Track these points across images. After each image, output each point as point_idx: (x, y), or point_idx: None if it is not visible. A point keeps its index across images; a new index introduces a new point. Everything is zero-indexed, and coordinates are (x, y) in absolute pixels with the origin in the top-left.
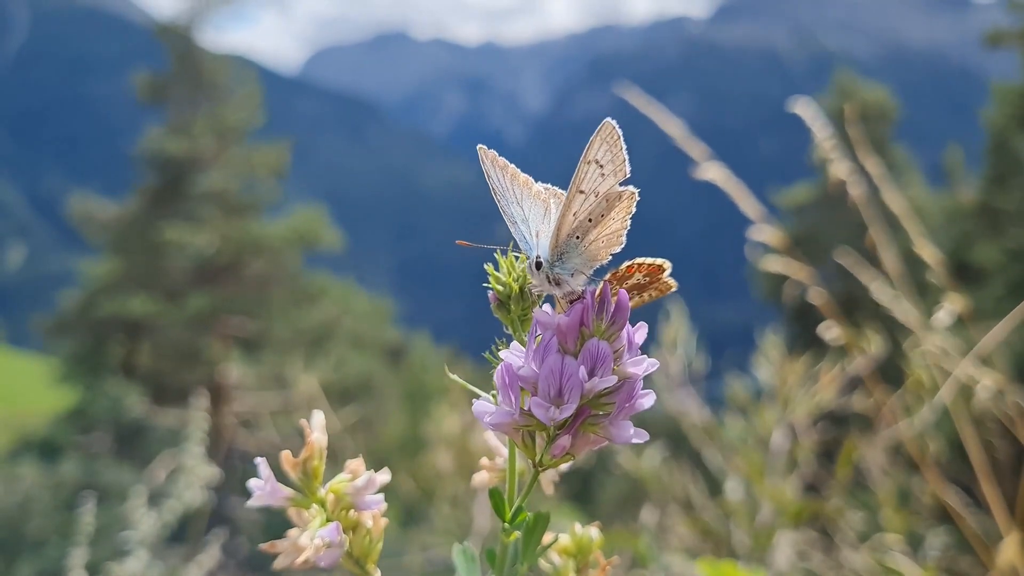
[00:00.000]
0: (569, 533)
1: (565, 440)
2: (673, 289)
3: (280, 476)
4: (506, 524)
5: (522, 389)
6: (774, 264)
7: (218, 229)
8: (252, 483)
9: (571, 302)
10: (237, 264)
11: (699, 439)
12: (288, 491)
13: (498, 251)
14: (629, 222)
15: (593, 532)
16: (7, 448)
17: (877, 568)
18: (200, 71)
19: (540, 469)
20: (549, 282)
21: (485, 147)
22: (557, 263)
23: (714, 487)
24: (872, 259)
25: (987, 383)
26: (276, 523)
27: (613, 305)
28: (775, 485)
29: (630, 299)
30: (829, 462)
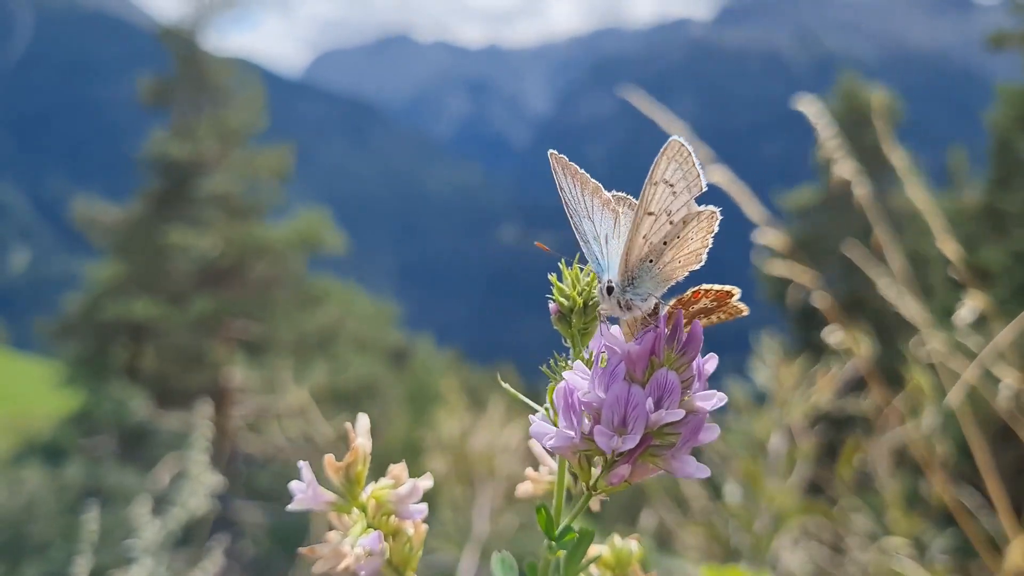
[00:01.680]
0: (608, 546)
1: (624, 469)
2: (744, 313)
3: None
4: (553, 541)
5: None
6: (778, 268)
7: (221, 232)
8: (294, 486)
9: (644, 322)
10: (241, 267)
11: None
12: (330, 495)
13: (563, 260)
14: (711, 241)
15: (632, 545)
16: (11, 451)
17: (884, 571)
18: (203, 74)
19: (594, 493)
20: (620, 307)
21: (556, 152)
22: (629, 288)
23: (714, 491)
24: (877, 259)
25: (1008, 382)
26: (280, 526)
27: (685, 335)
28: (774, 488)
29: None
30: (833, 464)
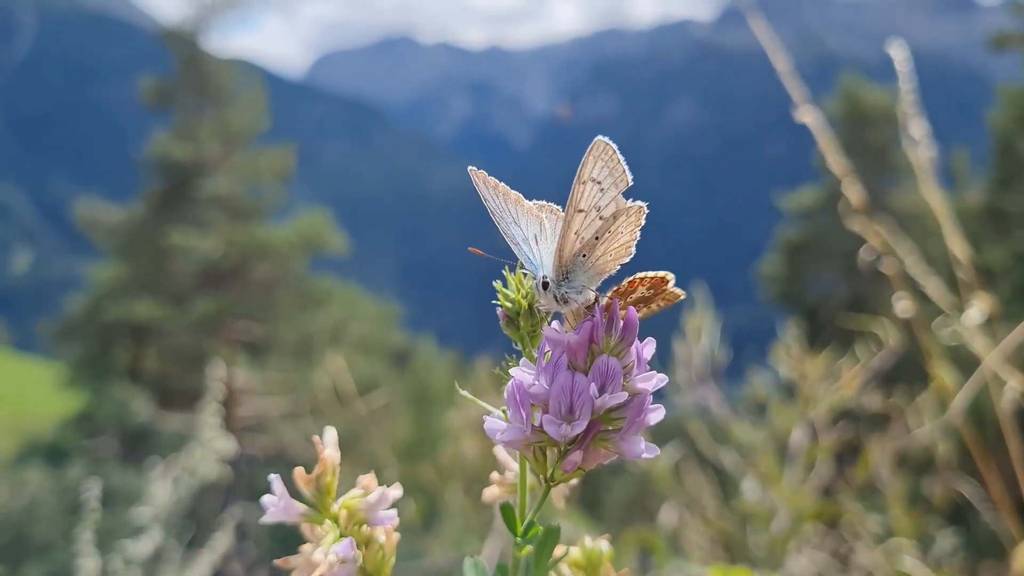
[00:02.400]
0: (579, 546)
1: (577, 456)
2: (681, 298)
3: (292, 490)
4: (518, 539)
5: (533, 405)
6: (856, 224)
7: (224, 233)
8: (266, 499)
9: (579, 316)
10: (243, 268)
11: (715, 438)
12: (302, 507)
13: (506, 267)
14: (639, 233)
15: (603, 545)
16: (14, 452)
17: (890, 571)
18: (206, 76)
19: (552, 484)
20: (556, 301)
21: (475, 168)
22: (564, 282)
23: (731, 488)
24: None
25: (1013, 384)
26: (283, 528)
27: (622, 322)
28: (793, 487)
29: (638, 311)
30: (843, 463)
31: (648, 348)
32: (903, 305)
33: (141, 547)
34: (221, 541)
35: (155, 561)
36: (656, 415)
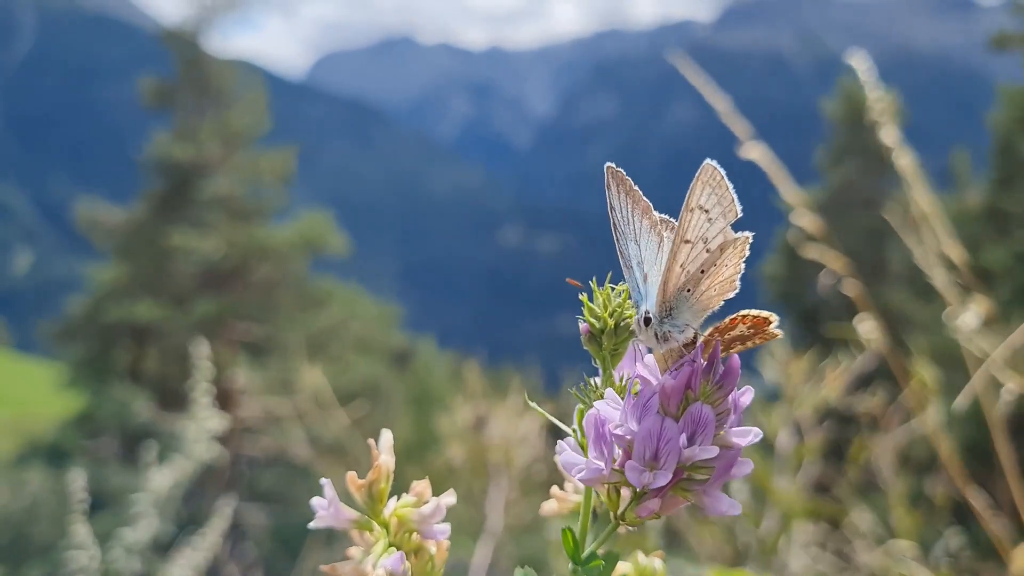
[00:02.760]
0: (632, 563)
1: (654, 503)
2: (778, 337)
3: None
4: (578, 567)
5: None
6: (811, 251)
7: (224, 234)
8: (315, 502)
9: (676, 353)
10: (243, 269)
11: None
12: (352, 513)
13: (593, 280)
14: (743, 266)
15: (656, 563)
16: (14, 453)
17: (889, 571)
18: (206, 77)
19: (622, 523)
20: (657, 339)
21: (614, 166)
22: (667, 319)
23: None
24: (880, 263)
25: (1011, 386)
26: (283, 528)
27: (722, 368)
28: (782, 486)
29: (732, 349)
30: (838, 461)
31: (746, 397)
32: (866, 327)
33: (139, 534)
34: (217, 527)
35: (154, 549)
36: (743, 469)
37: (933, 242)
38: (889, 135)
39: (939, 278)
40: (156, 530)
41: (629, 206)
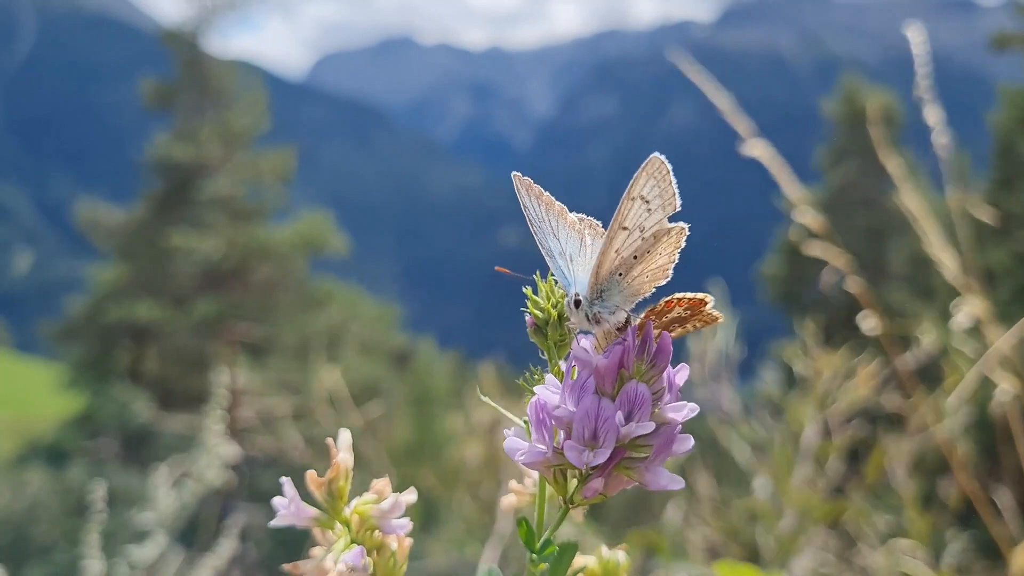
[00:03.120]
0: (596, 556)
1: (597, 483)
2: (720, 321)
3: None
4: (534, 555)
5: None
6: (814, 249)
7: (225, 235)
8: (276, 502)
9: (611, 337)
10: (244, 270)
11: (726, 436)
12: (313, 511)
13: (536, 274)
14: (677, 256)
15: (620, 556)
16: (15, 453)
17: (895, 572)
18: (207, 77)
19: (571, 507)
20: (588, 320)
21: (520, 174)
22: (597, 301)
23: (742, 485)
24: (880, 263)
25: (1005, 387)
26: (285, 530)
27: (655, 347)
28: (802, 486)
29: (671, 332)
30: (855, 462)
31: (681, 375)
32: (870, 323)
33: (146, 552)
34: (225, 547)
35: (159, 565)
36: (684, 444)
37: (942, 240)
38: (932, 115)
39: (949, 270)
40: (163, 548)
41: (542, 207)
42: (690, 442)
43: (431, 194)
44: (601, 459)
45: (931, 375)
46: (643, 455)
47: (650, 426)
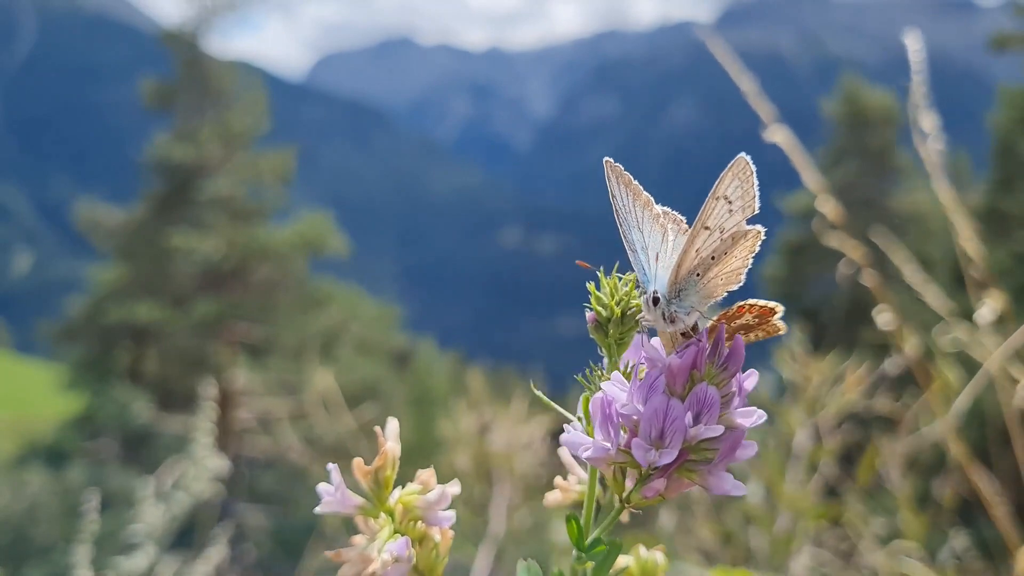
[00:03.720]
0: (634, 556)
1: (659, 483)
2: (781, 332)
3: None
4: (582, 553)
5: (621, 424)
6: (832, 239)
7: (225, 235)
8: (321, 488)
9: (684, 335)
10: (244, 270)
11: None
12: (358, 499)
13: (600, 270)
14: (751, 261)
15: (658, 556)
16: (14, 454)
17: (894, 573)
18: (206, 78)
19: (627, 506)
20: (664, 319)
21: (612, 160)
22: (675, 300)
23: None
24: (880, 264)
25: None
26: (283, 529)
27: (727, 350)
28: (795, 489)
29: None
30: (849, 465)
31: (751, 380)
32: (885, 318)
33: (135, 563)
34: (215, 553)
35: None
36: (748, 451)
37: (938, 244)
38: (928, 121)
39: (931, 295)
40: (153, 560)
41: (630, 197)
42: (754, 449)
43: (431, 194)
44: (667, 459)
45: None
46: (707, 459)
47: (719, 429)
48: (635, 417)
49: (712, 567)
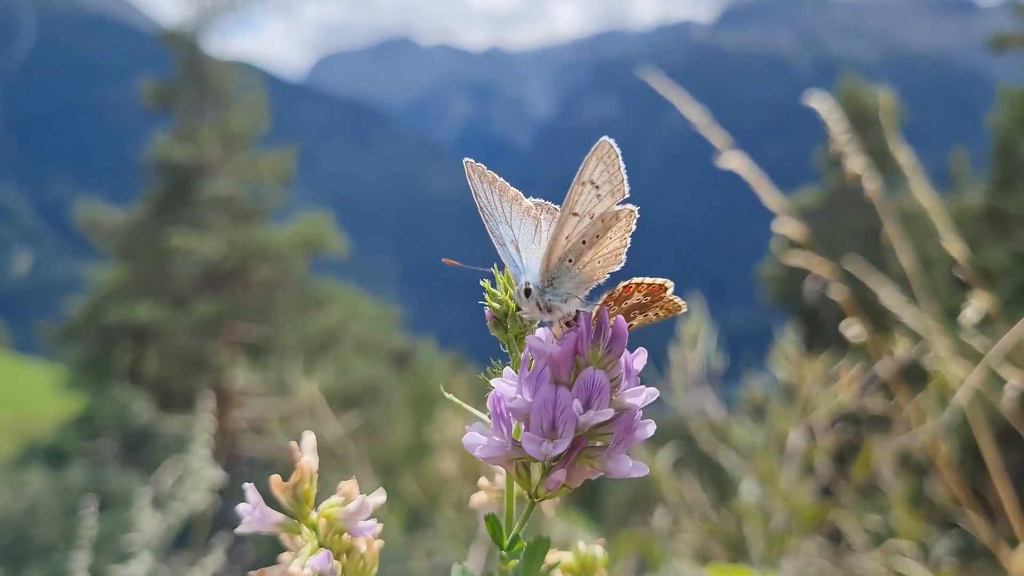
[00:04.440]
0: (572, 551)
1: (560, 474)
2: (683, 310)
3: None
4: (503, 552)
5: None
6: (796, 258)
7: (224, 235)
8: (240, 508)
9: (567, 325)
10: (243, 270)
11: (713, 440)
12: (278, 516)
13: (495, 267)
14: (629, 240)
15: (598, 550)
16: (14, 454)
17: (888, 573)
18: (206, 78)
19: (536, 500)
20: (540, 309)
21: (472, 160)
22: (548, 289)
23: (729, 489)
24: (880, 264)
25: (1014, 383)
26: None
27: (611, 331)
28: (790, 488)
29: (632, 320)
30: (842, 464)
31: (639, 359)
32: (854, 331)
33: (132, 572)
34: (212, 563)
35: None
36: (646, 431)
37: (937, 244)
38: (856, 164)
39: (910, 317)
40: (150, 568)
41: (495, 193)
42: (652, 428)
43: (431, 194)
44: (561, 449)
45: (916, 376)
46: (604, 443)
47: (609, 412)
48: (525, 410)
49: (709, 564)
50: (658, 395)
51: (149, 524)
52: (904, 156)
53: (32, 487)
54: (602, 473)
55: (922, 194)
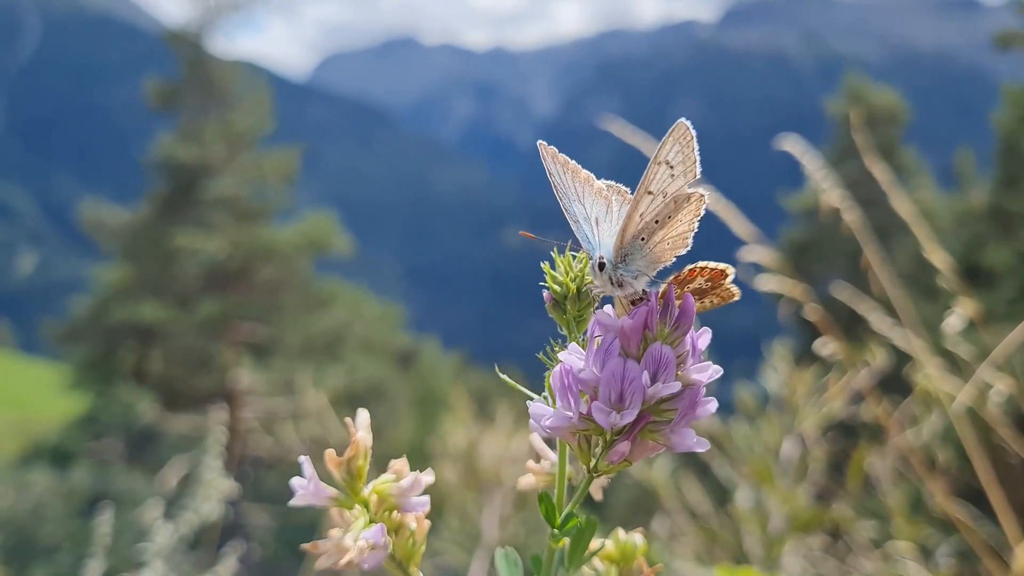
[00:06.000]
0: (613, 539)
1: (624, 446)
2: (736, 298)
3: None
4: (555, 530)
5: (581, 392)
6: (769, 283)
7: (229, 235)
8: (295, 482)
9: (633, 303)
10: (248, 270)
11: (713, 445)
12: (332, 491)
13: (555, 248)
14: (697, 224)
15: (637, 539)
16: (19, 454)
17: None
18: (210, 78)
19: (595, 475)
20: (612, 284)
21: (545, 143)
22: (621, 264)
23: (724, 495)
24: (885, 258)
25: (1000, 388)
26: (288, 529)
27: (678, 309)
28: (786, 492)
29: None
30: (838, 472)
31: (704, 338)
32: (829, 348)
33: None
34: (224, 571)
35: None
36: (709, 407)
37: (939, 244)
38: (833, 199)
39: (901, 340)
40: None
41: (568, 174)
42: (714, 404)
43: (435, 194)
44: (628, 419)
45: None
46: (669, 418)
47: (676, 386)
48: (593, 382)
49: (711, 567)
50: (722, 373)
51: (160, 532)
52: (881, 171)
53: (37, 487)
54: (665, 448)
55: (901, 205)
